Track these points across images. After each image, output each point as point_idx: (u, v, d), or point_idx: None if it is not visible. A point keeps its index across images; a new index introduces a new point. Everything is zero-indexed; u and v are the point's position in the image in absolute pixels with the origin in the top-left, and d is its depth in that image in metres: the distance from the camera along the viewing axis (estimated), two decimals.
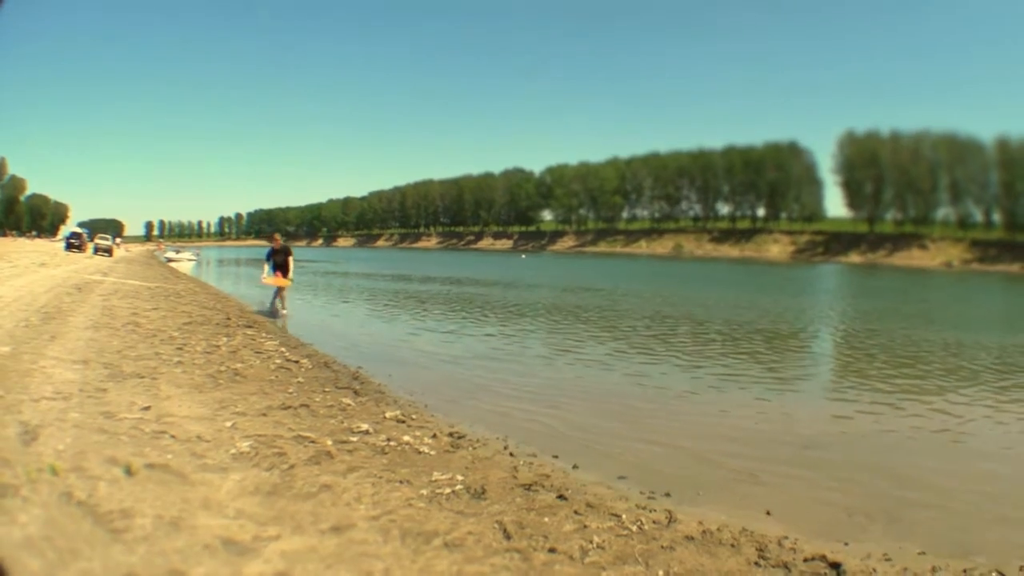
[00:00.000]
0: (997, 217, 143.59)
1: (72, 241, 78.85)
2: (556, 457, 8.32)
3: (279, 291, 22.99)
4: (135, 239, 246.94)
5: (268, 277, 23.05)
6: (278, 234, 24.32)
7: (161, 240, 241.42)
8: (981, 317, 33.96)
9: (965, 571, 5.79)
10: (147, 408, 7.54)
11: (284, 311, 22.42)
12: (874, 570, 5.59)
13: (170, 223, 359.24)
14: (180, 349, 12.13)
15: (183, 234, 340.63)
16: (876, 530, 6.80)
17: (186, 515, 4.63)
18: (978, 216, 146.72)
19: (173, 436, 6.56)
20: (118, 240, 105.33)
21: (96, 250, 74.36)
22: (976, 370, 16.45)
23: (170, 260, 76.21)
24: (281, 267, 22.79)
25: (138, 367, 9.98)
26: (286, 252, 23.11)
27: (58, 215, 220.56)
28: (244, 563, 4.10)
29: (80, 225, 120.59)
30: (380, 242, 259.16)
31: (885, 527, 6.88)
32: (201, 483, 5.40)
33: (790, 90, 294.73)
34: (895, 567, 5.75)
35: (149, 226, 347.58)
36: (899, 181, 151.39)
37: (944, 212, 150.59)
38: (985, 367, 17.00)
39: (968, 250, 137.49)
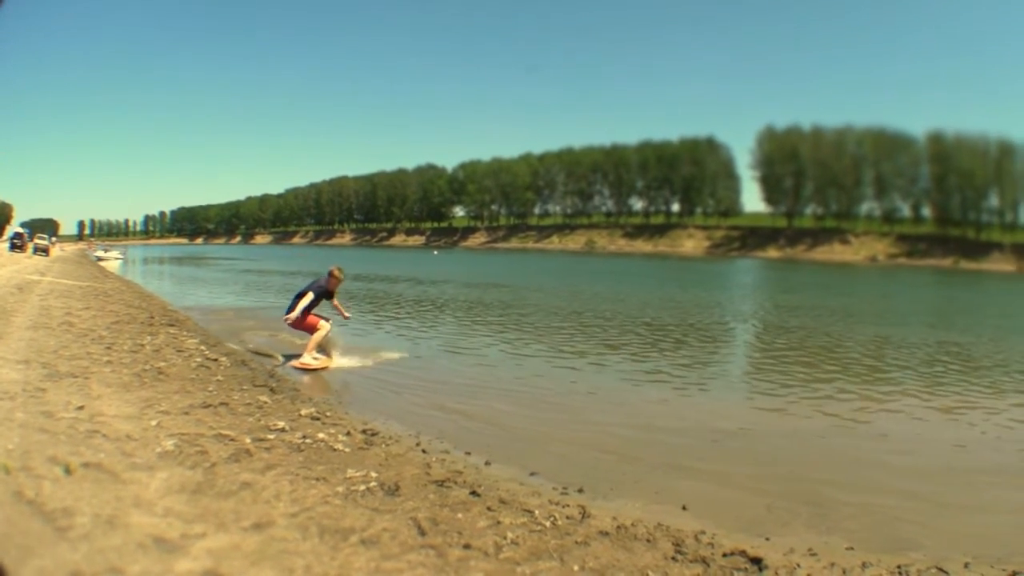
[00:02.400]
0: (927, 211, 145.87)
1: (15, 241, 79.68)
2: (468, 454, 8.57)
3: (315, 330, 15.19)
4: (69, 238, 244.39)
5: (312, 317, 15.30)
6: (339, 268, 16.10)
7: (92, 239, 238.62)
8: (906, 312, 34.47)
9: (900, 567, 5.80)
10: (81, 408, 7.64)
11: (320, 361, 14.85)
12: (798, 565, 5.63)
13: (100, 222, 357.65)
14: (109, 348, 12.18)
15: (111, 232, 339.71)
16: (798, 525, 6.88)
17: (120, 513, 4.75)
18: (905, 211, 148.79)
19: (104, 435, 6.66)
20: (54, 239, 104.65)
21: (35, 250, 74.85)
22: (898, 366, 16.84)
23: (100, 259, 76.03)
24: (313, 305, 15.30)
25: (72, 367, 10.06)
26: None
27: (3, 215, 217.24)
28: (174, 560, 4.23)
29: (22, 225, 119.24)
30: (296, 239, 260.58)
31: (808, 522, 6.97)
32: (131, 481, 5.50)
33: (710, 87, 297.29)
34: (821, 562, 5.79)
35: (81, 225, 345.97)
36: (820, 176, 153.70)
37: (869, 207, 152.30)
38: (907, 363, 17.40)
39: (894, 244, 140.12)
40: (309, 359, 14.63)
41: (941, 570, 5.80)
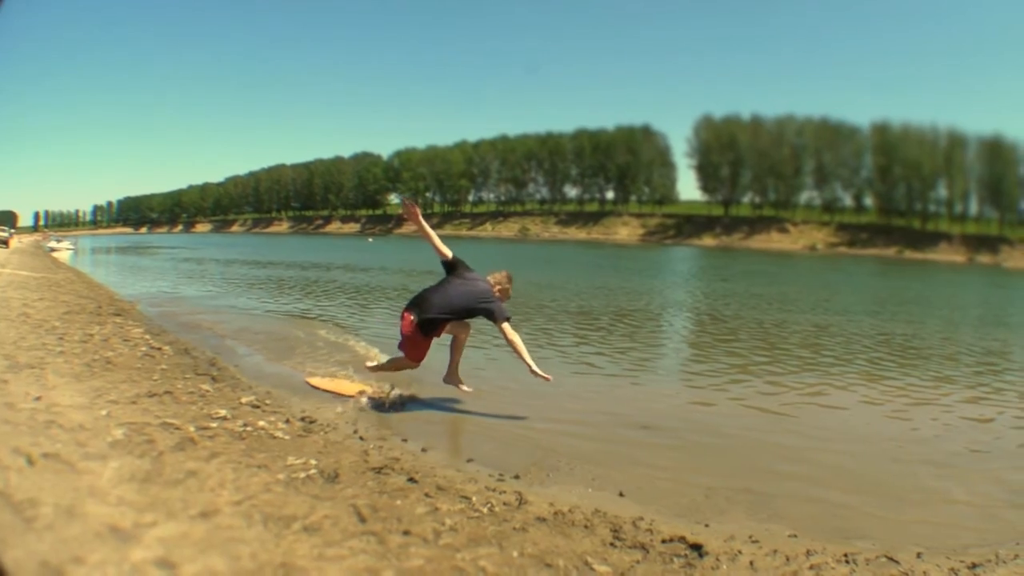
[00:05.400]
0: (869, 201, 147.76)
1: None
2: (405, 440, 8.61)
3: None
4: (25, 229, 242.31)
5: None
6: (509, 275, 11.54)
7: (47, 230, 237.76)
8: (848, 301, 34.23)
9: (847, 555, 5.70)
10: (38, 398, 7.71)
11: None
12: (739, 552, 5.57)
13: (53, 213, 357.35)
14: (61, 339, 12.19)
15: (63, 223, 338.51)
16: (738, 512, 6.83)
17: (78, 503, 4.83)
18: (847, 200, 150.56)
19: (60, 425, 6.73)
20: (12, 232, 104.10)
21: None
22: (839, 357, 16.72)
23: (53, 249, 76.61)
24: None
25: (30, 357, 10.11)
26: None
27: None
28: (129, 549, 4.30)
29: None
30: (234, 227, 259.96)
31: (748, 510, 6.90)
32: (86, 471, 5.56)
33: (648, 75, 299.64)
34: (763, 549, 5.73)
35: (37, 216, 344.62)
36: (759, 165, 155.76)
37: (808, 196, 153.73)
38: (848, 354, 17.33)
39: (834, 234, 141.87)
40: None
41: (892, 559, 5.71)
